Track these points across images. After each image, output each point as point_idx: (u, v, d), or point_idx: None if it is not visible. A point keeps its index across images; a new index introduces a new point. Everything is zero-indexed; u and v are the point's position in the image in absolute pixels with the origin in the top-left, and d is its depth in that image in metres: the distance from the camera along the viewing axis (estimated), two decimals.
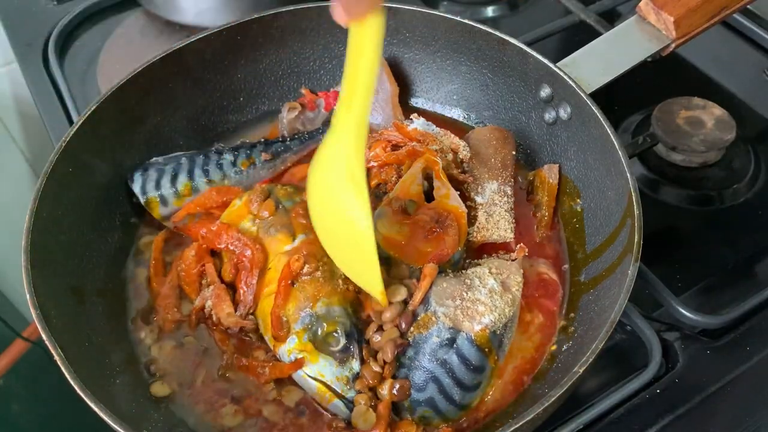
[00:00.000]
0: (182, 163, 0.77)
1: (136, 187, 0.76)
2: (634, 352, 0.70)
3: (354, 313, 0.65)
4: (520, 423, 0.53)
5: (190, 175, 0.76)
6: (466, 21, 0.78)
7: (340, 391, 0.62)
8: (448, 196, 0.70)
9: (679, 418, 0.66)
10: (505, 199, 0.74)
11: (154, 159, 0.78)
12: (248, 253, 0.68)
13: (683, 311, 0.70)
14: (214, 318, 0.68)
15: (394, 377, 0.64)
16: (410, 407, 0.63)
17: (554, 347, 0.67)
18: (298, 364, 0.63)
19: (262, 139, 0.82)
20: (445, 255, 0.66)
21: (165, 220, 0.76)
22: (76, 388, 0.55)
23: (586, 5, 0.99)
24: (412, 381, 0.62)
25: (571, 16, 0.98)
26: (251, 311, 0.68)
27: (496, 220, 0.72)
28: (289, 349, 0.64)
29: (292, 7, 0.81)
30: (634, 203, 0.63)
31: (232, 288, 0.70)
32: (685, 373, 0.68)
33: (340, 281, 0.66)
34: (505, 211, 0.73)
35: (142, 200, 0.75)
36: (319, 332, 0.63)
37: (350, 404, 0.62)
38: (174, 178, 0.76)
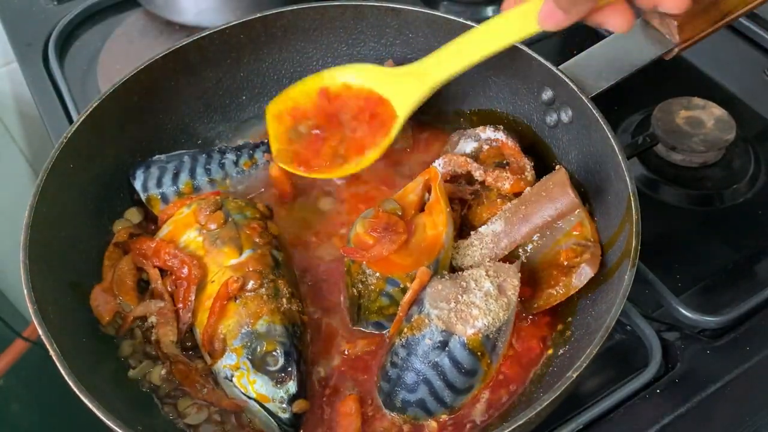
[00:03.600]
0: (184, 161, 0.77)
1: (138, 184, 0.76)
2: (634, 352, 0.70)
3: (296, 333, 0.65)
4: (513, 427, 0.52)
5: (192, 173, 0.76)
6: (468, 22, 0.78)
7: (274, 411, 0.61)
8: (434, 211, 0.68)
9: (679, 418, 0.66)
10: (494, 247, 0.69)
11: (157, 156, 0.78)
12: (185, 271, 0.67)
13: (683, 311, 0.70)
14: (154, 336, 0.66)
15: (386, 376, 0.64)
16: (401, 407, 0.63)
17: (551, 351, 0.67)
18: (237, 406, 0.63)
19: (265, 140, 0.82)
20: (371, 258, 0.65)
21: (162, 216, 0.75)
22: (71, 384, 0.55)
23: None
24: (404, 382, 0.62)
25: None
26: (189, 328, 0.67)
27: (471, 252, 0.69)
28: (225, 365, 0.63)
29: (295, 7, 0.81)
30: (633, 208, 0.62)
31: None
32: (685, 373, 0.69)
33: (284, 300, 0.66)
34: (490, 259, 0.69)
35: (143, 197, 0.75)
36: (258, 350, 0.62)
37: (284, 426, 0.61)
38: (176, 177, 0.76)
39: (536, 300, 0.68)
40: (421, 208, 0.70)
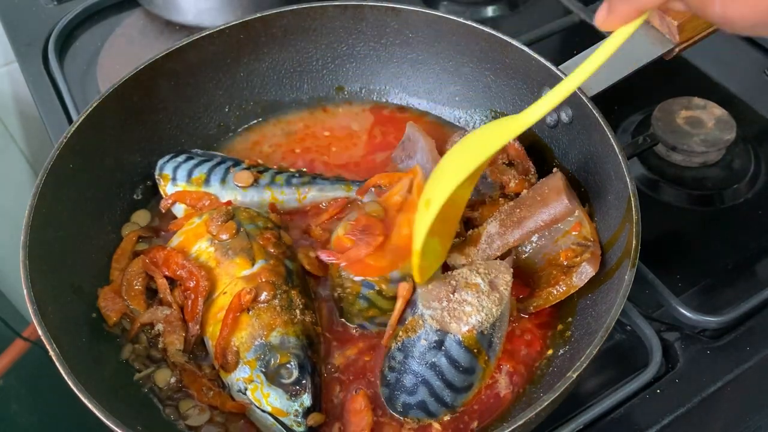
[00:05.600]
0: (213, 160, 0.78)
1: (161, 161, 0.77)
2: (634, 352, 0.70)
3: (310, 345, 0.64)
4: (512, 427, 0.52)
5: (212, 170, 0.76)
6: (468, 22, 0.78)
7: (289, 425, 0.61)
8: (411, 209, 0.67)
9: (679, 418, 0.66)
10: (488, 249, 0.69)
11: (195, 150, 0.80)
12: (192, 282, 0.66)
13: (683, 311, 0.70)
14: (161, 344, 0.66)
15: (385, 380, 0.64)
16: (402, 410, 0.63)
17: (551, 351, 0.67)
18: (242, 407, 0.63)
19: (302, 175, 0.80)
20: (347, 260, 0.65)
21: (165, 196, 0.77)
22: (70, 384, 0.55)
23: (586, 5, 0.99)
24: (403, 385, 0.62)
25: (571, 16, 0.99)
26: (199, 339, 0.67)
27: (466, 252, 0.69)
28: (239, 378, 0.63)
29: (295, 7, 0.81)
30: (633, 208, 0.62)
31: None
32: (685, 373, 0.69)
33: (298, 311, 0.65)
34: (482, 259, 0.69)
35: (156, 173, 0.77)
36: (272, 363, 0.62)
37: None
38: (196, 166, 0.77)
39: (535, 299, 0.68)
40: None
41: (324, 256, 0.67)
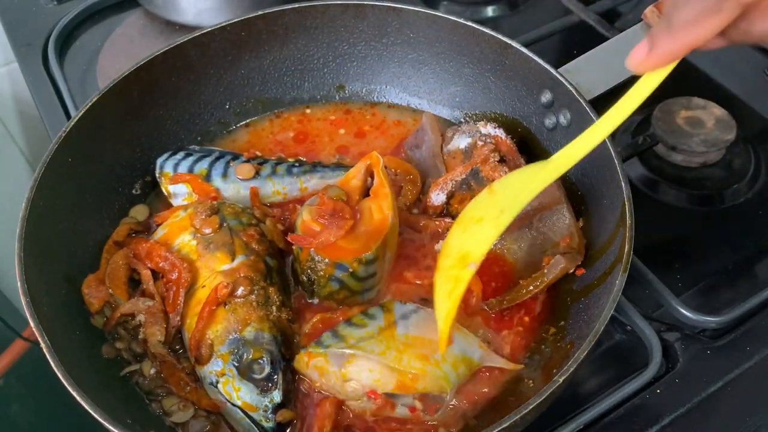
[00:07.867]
0: (212, 155, 0.79)
1: (160, 160, 0.78)
2: (634, 352, 0.70)
3: (284, 342, 0.65)
4: (497, 429, 0.52)
5: (212, 164, 0.77)
6: (469, 23, 0.78)
7: (258, 420, 0.61)
8: (379, 195, 0.69)
9: (679, 418, 0.66)
10: None
11: (192, 147, 0.81)
12: (175, 274, 0.67)
13: (683, 311, 0.70)
14: (141, 335, 0.66)
15: None
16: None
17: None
18: (216, 406, 0.63)
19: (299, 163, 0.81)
20: (318, 244, 0.65)
21: (169, 197, 0.77)
22: (60, 376, 0.54)
23: (586, 5, 0.99)
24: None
25: (571, 16, 0.99)
26: (178, 330, 0.67)
27: None
28: (211, 371, 0.63)
29: (297, 5, 0.81)
30: (627, 213, 0.62)
31: None
32: (685, 373, 0.68)
33: (274, 308, 0.66)
34: None
35: (157, 172, 0.77)
36: (245, 358, 0.62)
37: None
38: (196, 162, 0.77)
39: (508, 294, 0.69)
40: (366, 192, 0.70)
41: (295, 241, 0.67)
